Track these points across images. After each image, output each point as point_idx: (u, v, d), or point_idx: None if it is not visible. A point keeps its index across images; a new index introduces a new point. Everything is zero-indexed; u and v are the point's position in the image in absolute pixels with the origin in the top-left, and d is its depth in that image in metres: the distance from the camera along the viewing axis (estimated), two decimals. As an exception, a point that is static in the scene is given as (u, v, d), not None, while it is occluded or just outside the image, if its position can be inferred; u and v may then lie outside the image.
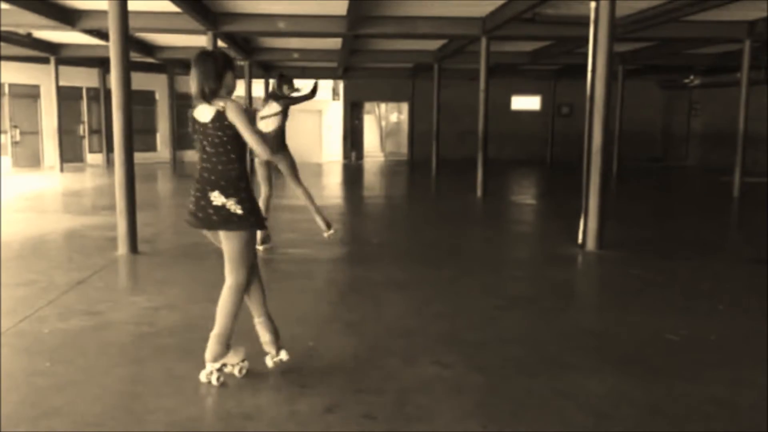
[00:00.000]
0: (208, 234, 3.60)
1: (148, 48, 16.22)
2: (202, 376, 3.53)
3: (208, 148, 3.45)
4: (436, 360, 3.88)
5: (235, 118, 3.37)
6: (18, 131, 17.98)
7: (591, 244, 7.15)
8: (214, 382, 3.50)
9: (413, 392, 3.43)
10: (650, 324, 4.65)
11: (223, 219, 3.44)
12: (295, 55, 17.19)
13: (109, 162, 19.38)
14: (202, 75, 3.42)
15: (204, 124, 3.43)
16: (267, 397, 3.38)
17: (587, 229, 7.18)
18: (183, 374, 3.63)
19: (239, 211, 3.43)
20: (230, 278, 3.55)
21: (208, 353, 3.51)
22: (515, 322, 4.74)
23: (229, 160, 3.43)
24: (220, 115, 3.39)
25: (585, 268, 6.83)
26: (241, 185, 3.46)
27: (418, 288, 5.67)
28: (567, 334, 4.47)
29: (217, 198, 3.41)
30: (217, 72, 3.43)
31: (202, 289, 5.24)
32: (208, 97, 3.41)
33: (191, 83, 3.47)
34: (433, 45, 15.86)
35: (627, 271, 6.37)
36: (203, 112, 3.44)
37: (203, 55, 3.51)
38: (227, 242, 3.50)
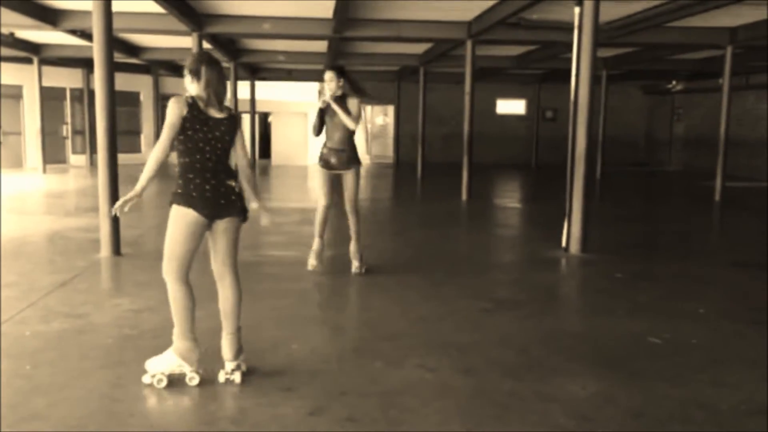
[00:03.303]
0: (200, 229, 3.47)
1: (132, 49, 16.11)
2: (221, 377, 3.55)
3: (217, 144, 3.51)
4: (421, 363, 3.88)
5: (239, 126, 3.65)
6: (0, 132, 17.78)
7: (575, 248, 7.19)
8: (238, 380, 3.54)
9: (398, 395, 3.43)
10: (633, 327, 4.69)
11: (242, 206, 3.60)
12: (281, 58, 17.16)
13: (93, 163, 19.23)
14: (221, 80, 3.55)
15: (221, 122, 3.52)
16: (250, 400, 3.37)
17: (571, 233, 7.23)
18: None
19: (244, 203, 3.62)
20: (233, 272, 3.64)
21: (230, 352, 3.58)
22: (500, 325, 4.76)
23: (229, 156, 3.60)
24: (233, 118, 3.59)
25: (569, 271, 6.87)
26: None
27: (402, 291, 5.67)
28: (551, 337, 4.49)
29: (235, 185, 3.57)
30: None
31: (186, 292, 5.21)
32: (222, 102, 3.55)
33: (206, 85, 3.48)
34: (419, 48, 15.89)
35: (610, 274, 6.42)
36: (215, 112, 3.52)
37: (216, 59, 3.61)
38: (234, 231, 3.60)
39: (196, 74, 3.50)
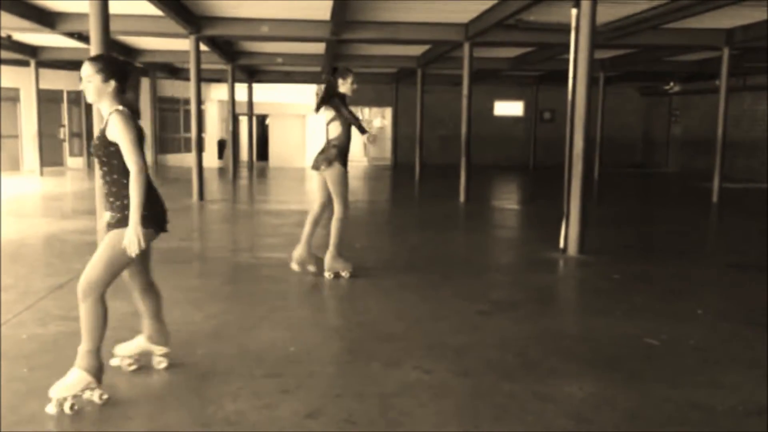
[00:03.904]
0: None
1: (129, 51, 16.11)
2: (158, 364, 3.75)
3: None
4: (418, 365, 3.88)
5: None
6: (-3, 134, 17.78)
7: (572, 249, 7.20)
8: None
9: (395, 397, 3.43)
10: (630, 328, 4.69)
11: None
12: (279, 60, 17.17)
13: (90, 166, 19.21)
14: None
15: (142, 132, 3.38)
16: (247, 402, 3.36)
17: (568, 234, 7.23)
18: (163, 379, 3.60)
19: None
20: (152, 276, 3.77)
21: (167, 338, 3.78)
22: (497, 327, 4.75)
23: None
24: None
25: (566, 272, 6.87)
26: None
27: (400, 292, 5.67)
28: (548, 338, 4.49)
29: None
30: None
31: (182, 294, 5.21)
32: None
33: (137, 97, 3.37)
34: (417, 50, 15.91)
35: (607, 275, 6.42)
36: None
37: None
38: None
39: (123, 81, 3.26)
